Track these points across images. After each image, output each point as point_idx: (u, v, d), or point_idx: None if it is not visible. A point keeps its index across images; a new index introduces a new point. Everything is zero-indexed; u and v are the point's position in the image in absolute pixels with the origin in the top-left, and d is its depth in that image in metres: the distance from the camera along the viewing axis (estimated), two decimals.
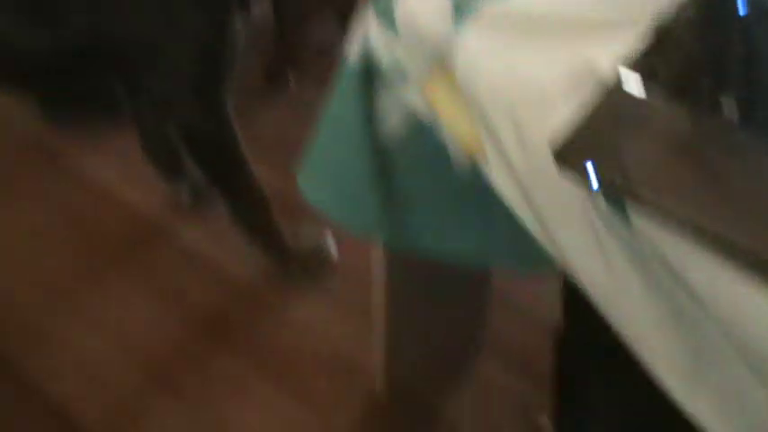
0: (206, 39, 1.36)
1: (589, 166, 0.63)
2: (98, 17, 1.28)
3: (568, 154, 0.65)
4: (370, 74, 0.88)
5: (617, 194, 0.63)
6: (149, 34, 1.31)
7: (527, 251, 0.79)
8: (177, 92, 1.42)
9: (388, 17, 0.84)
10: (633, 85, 0.71)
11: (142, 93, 1.44)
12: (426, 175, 0.90)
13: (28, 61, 1.35)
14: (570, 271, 0.76)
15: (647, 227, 0.64)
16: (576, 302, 0.77)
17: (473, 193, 0.84)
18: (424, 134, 0.85)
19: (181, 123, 1.46)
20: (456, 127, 0.81)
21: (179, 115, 1.45)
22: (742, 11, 0.81)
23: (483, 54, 0.76)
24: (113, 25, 1.30)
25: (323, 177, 0.97)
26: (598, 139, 0.66)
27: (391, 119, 0.89)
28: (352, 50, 0.89)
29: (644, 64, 0.73)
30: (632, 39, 0.78)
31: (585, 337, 1.13)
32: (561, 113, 0.69)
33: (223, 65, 1.41)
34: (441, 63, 0.79)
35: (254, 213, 1.65)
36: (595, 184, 0.63)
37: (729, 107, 0.69)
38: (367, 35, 0.87)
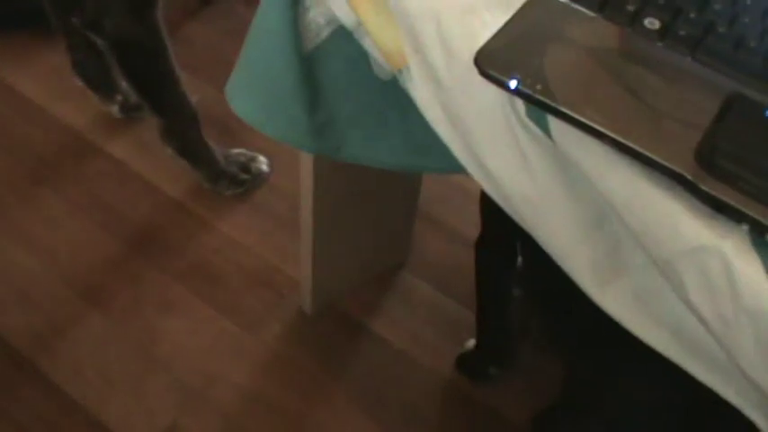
0: None
1: (511, 75, 0.64)
2: None
3: (492, 62, 0.65)
4: None
5: (537, 103, 0.64)
6: None
7: (451, 153, 0.80)
8: (107, 3, 1.40)
9: None
10: None
11: (71, 4, 1.41)
12: (350, 82, 0.91)
13: None
14: (490, 185, 0.77)
15: (565, 135, 0.65)
16: (495, 209, 0.79)
17: (396, 97, 0.84)
18: (348, 41, 0.86)
19: (111, 34, 1.44)
20: (381, 38, 0.81)
21: (109, 27, 1.43)
22: None
23: None
24: None
25: (250, 89, 0.97)
26: (522, 48, 0.67)
27: (316, 27, 0.88)
28: None
29: None
30: None
31: (503, 241, 1.17)
32: (486, 24, 0.70)
33: None
34: None
35: (184, 128, 1.64)
36: (514, 90, 0.64)
37: (650, 21, 0.70)
38: None
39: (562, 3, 0.71)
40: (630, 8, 0.71)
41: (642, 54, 0.69)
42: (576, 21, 0.70)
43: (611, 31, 0.70)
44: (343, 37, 0.86)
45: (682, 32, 0.69)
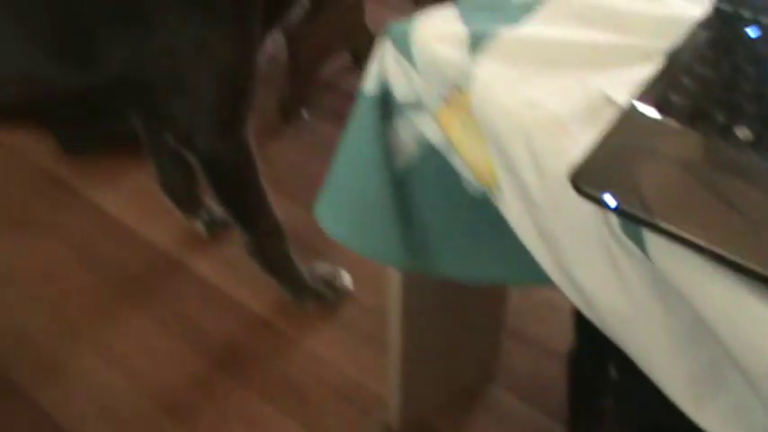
0: (232, 69, 1.39)
1: (606, 191, 0.64)
2: (129, 54, 1.30)
3: (585, 180, 0.65)
4: (386, 103, 0.90)
5: (634, 220, 0.64)
6: (177, 67, 1.33)
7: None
8: (201, 121, 1.44)
9: (404, 46, 0.85)
10: (648, 111, 0.72)
11: (164, 123, 1.46)
12: (442, 199, 0.92)
13: (57, 99, 1.37)
14: (583, 301, 0.76)
15: (662, 250, 0.64)
16: (587, 323, 0.78)
17: (488, 212, 0.85)
18: (438, 160, 0.87)
19: (203, 151, 1.48)
20: (470, 155, 0.82)
21: (202, 144, 1.47)
22: (753, 33, 0.82)
23: (499, 83, 0.78)
24: (143, 60, 1.32)
25: (341, 208, 0.98)
26: (614, 165, 0.67)
27: (407, 146, 0.90)
28: (369, 80, 0.90)
29: (658, 91, 0.74)
30: (646, 66, 0.79)
31: (597, 355, 1.14)
32: (578, 141, 0.70)
33: (246, 93, 1.44)
34: (457, 91, 0.80)
35: (271, 244, 1.66)
36: (613, 208, 0.64)
37: (742, 131, 0.70)
38: (383, 65, 0.88)
39: (651, 117, 0.71)
40: (721, 119, 0.71)
41: (736, 164, 0.68)
42: (668, 134, 0.70)
43: (703, 142, 0.70)
44: (434, 155, 0.87)
45: None
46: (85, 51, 1.31)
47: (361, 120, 0.91)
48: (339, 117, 1.00)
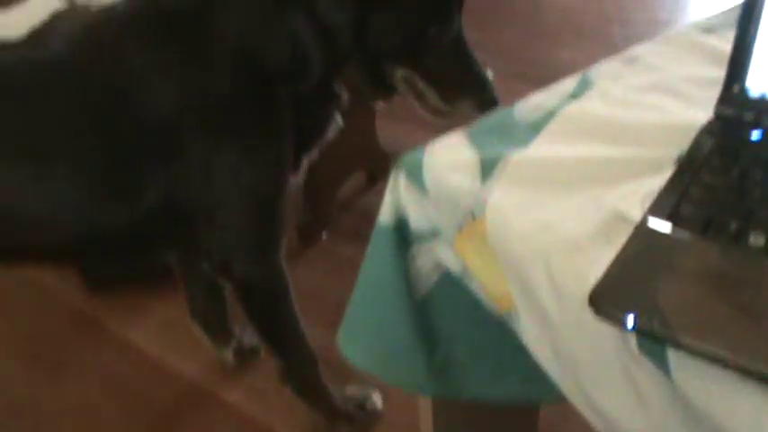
0: (265, 195, 1.41)
1: (626, 313, 0.65)
2: (167, 184, 1.32)
3: (604, 302, 0.66)
4: (402, 231, 0.91)
5: (655, 339, 0.64)
6: (212, 195, 1.35)
7: None
8: (236, 248, 1.45)
9: (416, 176, 0.88)
10: (661, 226, 0.73)
11: (200, 252, 1.47)
12: (463, 323, 0.92)
13: (100, 237, 1.38)
14: (603, 424, 0.76)
15: (686, 369, 0.65)
16: None
17: (510, 334, 0.85)
18: (457, 285, 0.88)
19: (238, 278, 1.49)
20: (487, 281, 0.83)
21: (237, 271, 1.48)
22: (756, 137, 0.84)
23: (512, 208, 0.79)
24: (180, 190, 1.34)
25: (363, 337, 0.99)
26: (632, 284, 0.68)
27: (425, 274, 0.91)
28: (384, 211, 0.92)
29: (669, 204, 0.75)
30: (656, 176, 0.81)
31: None
32: (595, 262, 0.71)
33: (279, 221, 1.46)
34: (470, 218, 0.82)
35: (305, 369, 1.66)
36: (633, 329, 0.65)
37: (755, 237, 0.71)
38: (397, 195, 0.90)
39: (664, 232, 0.73)
40: (733, 227, 0.72)
41: (753, 272, 0.69)
42: (682, 247, 0.71)
43: (718, 252, 0.71)
44: (452, 280, 0.88)
45: None
46: (128, 187, 1.33)
47: (379, 251, 0.92)
48: (358, 237, 1.01)
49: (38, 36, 1.39)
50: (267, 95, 1.34)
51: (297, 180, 1.50)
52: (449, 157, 0.88)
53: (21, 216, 1.32)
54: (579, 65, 2.44)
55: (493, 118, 0.95)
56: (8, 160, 1.27)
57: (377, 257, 0.93)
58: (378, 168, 2.27)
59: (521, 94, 2.36)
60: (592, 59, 2.47)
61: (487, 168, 0.84)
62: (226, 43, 1.29)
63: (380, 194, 0.94)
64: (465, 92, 1.33)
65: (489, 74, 2.31)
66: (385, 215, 0.91)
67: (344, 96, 1.42)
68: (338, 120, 1.47)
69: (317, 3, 1.26)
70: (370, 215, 0.96)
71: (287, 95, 1.35)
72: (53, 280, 2.16)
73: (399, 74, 1.35)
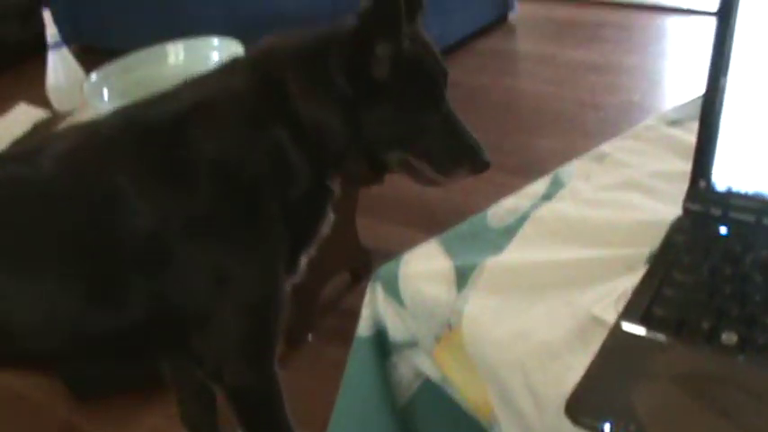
0: (257, 300, 1.40)
1: (603, 421, 0.65)
2: (157, 290, 1.33)
3: (581, 410, 0.67)
4: (381, 341, 0.92)
5: None
6: (202, 300, 1.35)
7: None
8: (228, 354, 1.44)
9: (392, 288, 0.89)
10: (635, 329, 0.74)
11: (192, 358, 1.46)
12: (447, 429, 0.92)
13: (87, 343, 1.38)
14: None
15: None
16: None
17: None
18: (438, 394, 0.88)
19: (230, 385, 1.48)
20: (466, 390, 0.83)
21: (230, 377, 1.47)
22: (723, 231, 0.86)
23: (488, 317, 0.80)
24: (170, 295, 1.34)
25: None
26: (608, 390, 0.68)
27: (407, 382, 0.91)
28: (362, 323, 0.93)
29: (641, 306, 0.76)
30: (629, 276, 0.82)
31: None
32: (571, 367, 0.72)
33: (273, 326, 1.45)
34: (448, 329, 0.83)
35: None
36: None
37: (728, 336, 0.72)
38: (375, 307, 0.91)
39: (638, 335, 0.73)
40: (705, 325, 0.73)
41: (726, 372, 0.70)
42: (656, 350, 0.72)
43: (691, 354, 0.72)
44: (434, 388, 0.89)
45: (761, 341, 0.71)
46: (114, 298, 1.33)
47: (359, 362, 0.93)
48: (343, 338, 1.02)
49: (25, 153, 1.42)
50: (253, 202, 1.35)
51: (295, 280, 1.50)
52: (424, 267, 0.89)
53: (6, 323, 1.32)
54: (556, 152, 2.49)
55: (466, 225, 0.96)
56: None
57: (358, 368, 0.93)
58: (360, 267, 2.28)
59: (500, 185, 2.39)
60: (568, 146, 2.52)
61: (462, 277, 0.86)
62: (205, 156, 1.31)
63: (365, 293, 0.94)
64: (459, 161, 1.35)
65: None
66: (363, 327, 0.92)
67: (338, 189, 1.43)
68: (330, 214, 1.47)
69: (300, 112, 1.27)
70: (356, 315, 0.97)
71: (274, 200, 1.36)
72: (40, 392, 2.14)
73: (394, 157, 1.36)
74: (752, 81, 0.86)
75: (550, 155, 2.46)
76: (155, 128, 1.33)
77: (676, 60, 3.35)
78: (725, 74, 0.87)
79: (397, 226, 2.26)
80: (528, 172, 2.49)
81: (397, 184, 1.94)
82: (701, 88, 0.89)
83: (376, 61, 1.23)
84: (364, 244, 2.29)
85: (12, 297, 1.31)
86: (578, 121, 2.74)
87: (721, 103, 0.88)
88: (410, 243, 1.00)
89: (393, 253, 1.35)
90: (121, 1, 3.62)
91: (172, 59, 2.15)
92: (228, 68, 1.39)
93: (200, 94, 1.35)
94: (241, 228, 1.35)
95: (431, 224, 2.21)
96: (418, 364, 0.89)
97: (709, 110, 0.89)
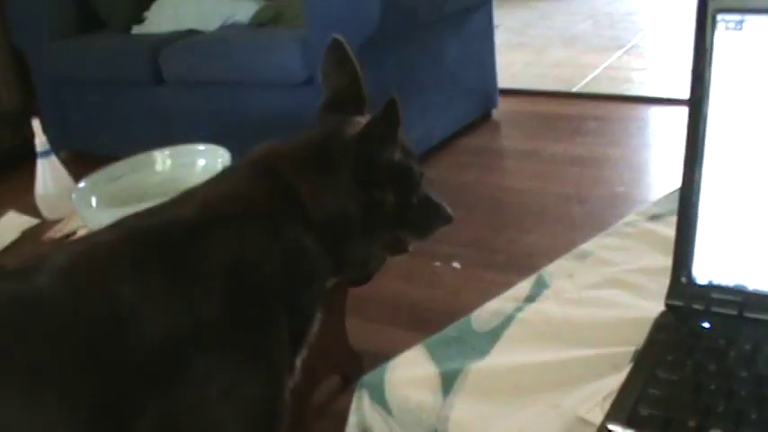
0: (262, 410, 1.37)
1: None
2: (163, 410, 1.29)
3: None
4: None
5: None
6: (209, 415, 1.33)
7: None
8: None
9: (378, 395, 0.88)
10: (620, 429, 0.74)
11: None
12: None
13: None
14: None
15: None
16: None
17: None
18: None
19: None
20: None
21: None
22: (707, 325, 0.86)
23: (475, 422, 0.80)
24: (177, 415, 1.31)
25: None
26: None
27: None
28: (350, 428, 0.92)
29: (627, 407, 0.76)
30: (615, 375, 0.82)
31: None
32: None
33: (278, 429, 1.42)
34: None
35: None
36: None
37: None
38: (361, 414, 0.90)
39: None
40: (692, 424, 0.73)
41: None
42: None
43: None
44: None
45: None
46: (119, 415, 1.30)
47: None
48: None
49: (20, 270, 1.40)
50: (267, 309, 1.34)
51: (291, 384, 1.48)
52: (409, 373, 0.89)
53: None
54: (543, 247, 2.50)
55: (451, 329, 0.97)
56: None
57: None
58: (351, 369, 2.26)
59: (489, 282, 2.40)
60: (555, 241, 2.53)
61: (448, 383, 0.86)
62: (218, 263, 1.30)
63: None
64: (434, 225, 1.40)
65: (456, 265, 2.36)
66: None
67: (329, 289, 1.44)
68: (319, 313, 1.47)
69: (313, 213, 1.29)
70: (346, 419, 0.96)
71: (283, 307, 1.35)
72: None
73: (389, 238, 1.39)
74: (727, 173, 0.87)
75: (537, 250, 2.47)
76: (159, 236, 1.32)
77: (659, 151, 3.39)
78: (699, 168, 0.88)
79: (385, 326, 2.26)
80: (515, 268, 2.51)
81: (384, 284, 1.95)
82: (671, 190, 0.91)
83: (377, 166, 1.30)
84: (353, 345, 2.28)
85: (10, 415, 1.27)
86: (564, 216, 2.76)
87: (698, 198, 0.90)
88: (398, 343, 1.00)
89: (382, 354, 1.35)
90: (109, 108, 3.67)
91: (159, 166, 2.18)
92: (229, 175, 1.40)
93: (205, 201, 1.35)
94: (254, 339, 1.34)
95: (419, 324, 2.21)
96: None
97: (685, 205, 0.90)
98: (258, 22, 3.52)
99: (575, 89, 4.10)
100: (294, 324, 1.40)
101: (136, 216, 1.39)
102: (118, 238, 1.34)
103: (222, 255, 1.30)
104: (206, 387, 1.31)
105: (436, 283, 2.38)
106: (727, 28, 0.85)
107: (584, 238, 1.16)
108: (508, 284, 1.06)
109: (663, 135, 3.57)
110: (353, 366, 2.24)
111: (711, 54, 0.86)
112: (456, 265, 2.44)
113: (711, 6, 0.86)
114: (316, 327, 1.48)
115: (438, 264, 2.41)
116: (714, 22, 0.86)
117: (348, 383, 2.26)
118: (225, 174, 1.42)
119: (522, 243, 2.58)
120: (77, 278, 1.30)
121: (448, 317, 1.04)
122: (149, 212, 1.38)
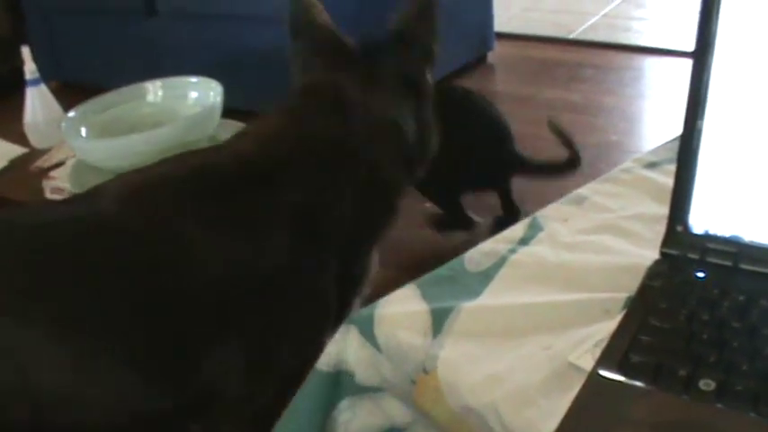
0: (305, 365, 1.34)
1: None
2: (217, 368, 1.23)
3: None
4: (338, 380, 0.89)
5: None
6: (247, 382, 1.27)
7: None
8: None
9: (368, 332, 0.88)
10: (611, 375, 0.74)
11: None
12: None
13: (141, 421, 1.24)
14: None
15: None
16: None
17: None
18: None
19: None
20: (450, 428, 0.82)
21: None
22: (701, 275, 0.85)
23: (464, 361, 0.80)
24: (228, 373, 1.25)
25: None
26: None
27: (354, 427, 0.89)
28: (325, 355, 0.90)
29: (618, 353, 0.76)
30: (606, 321, 0.82)
31: None
32: (547, 414, 0.71)
33: None
34: (423, 372, 0.82)
35: None
36: None
37: (705, 383, 0.71)
38: (344, 348, 0.89)
39: (615, 380, 0.73)
40: (683, 372, 0.72)
41: (705, 420, 0.69)
42: (634, 397, 0.72)
43: (669, 401, 0.71)
44: None
45: (738, 388, 0.70)
46: (178, 368, 1.22)
47: (309, 389, 0.89)
48: None
49: (79, 196, 1.34)
50: (321, 263, 1.30)
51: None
52: (400, 310, 0.88)
53: (52, 394, 1.16)
54: (534, 192, 2.49)
55: (443, 269, 0.96)
56: (46, 328, 1.15)
57: (305, 397, 0.90)
58: None
59: (477, 224, 2.37)
60: (546, 185, 2.52)
61: (438, 322, 0.85)
62: (287, 201, 1.25)
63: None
64: None
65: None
66: (323, 362, 0.89)
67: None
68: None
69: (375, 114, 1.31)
70: None
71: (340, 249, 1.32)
72: None
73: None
74: (729, 123, 0.86)
75: (528, 196, 2.46)
76: (232, 174, 1.26)
77: (654, 101, 3.37)
78: (701, 116, 0.87)
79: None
80: (501, 212, 2.50)
81: None
82: (678, 129, 0.89)
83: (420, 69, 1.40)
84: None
85: (61, 359, 1.14)
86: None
87: (698, 146, 0.88)
88: (386, 283, 0.99)
89: (371, 293, 1.33)
90: (100, 39, 3.62)
91: (150, 98, 2.16)
92: (293, 108, 1.39)
93: (272, 138, 1.31)
94: (314, 279, 1.30)
95: (408, 264, 2.20)
96: (386, 410, 0.88)
97: (685, 153, 0.89)
98: None
99: (572, 35, 4.06)
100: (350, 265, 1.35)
101: (193, 153, 1.34)
102: (182, 174, 1.27)
103: (292, 196, 1.25)
104: (264, 334, 1.24)
105: (425, 224, 2.38)
106: None
107: (576, 185, 1.15)
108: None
109: (659, 86, 3.55)
110: None
111: (719, 2, 0.84)
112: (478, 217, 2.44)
113: None
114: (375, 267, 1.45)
115: (428, 205, 2.40)
116: None
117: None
118: (287, 107, 1.39)
119: (513, 188, 2.57)
120: (141, 206, 1.22)
121: (437, 256, 1.03)
122: (206, 151, 1.33)
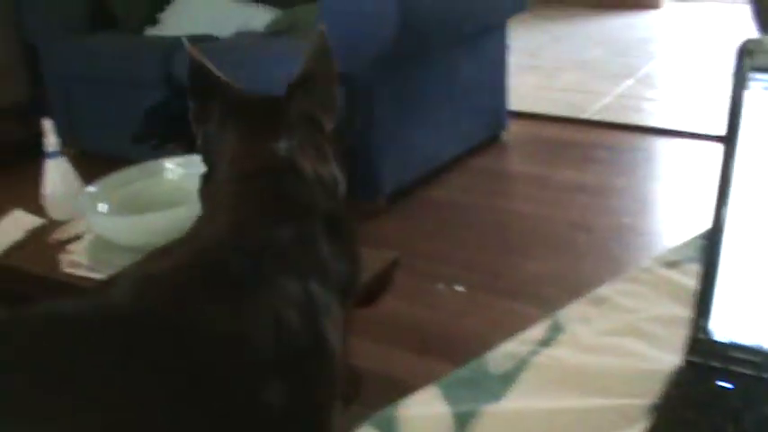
0: None
1: None
2: None
3: None
4: None
5: None
6: None
7: None
8: None
9: None
10: None
11: None
12: None
13: None
14: None
15: None
16: None
17: None
18: None
19: None
20: None
21: None
22: (726, 385, 0.85)
23: None
24: None
25: None
26: None
27: None
28: None
29: None
30: (629, 429, 0.82)
31: None
32: None
33: None
34: None
35: None
36: None
37: None
38: None
39: None
40: None
41: None
42: None
43: None
44: None
45: None
46: None
47: None
48: None
49: (90, 289, 1.33)
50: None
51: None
52: (421, 414, 0.88)
53: None
54: (547, 275, 2.50)
55: (465, 370, 0.96)
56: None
57: None
58: (351, 389, 2.25)
59: (489, 307, 2.39)
60: (559, 269, 2.53)
61: (461, 425, 0.85)
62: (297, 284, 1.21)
63: (355, 415, 0.93)
64: None
65: (459, 288, 2.34)
66: None
67: None
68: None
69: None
70: None
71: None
72: None
73: None
74: (748, 233, 0.87)
75: (542, 277, 2.47)
76: (237, 267, 1.20)
77: (665, 182, 3.39)
78: (724, 223, 0.88)
79: (386, 347, 2.25)
80: (519, 295, 2.51)
81: (385, 304, 1.95)
82: (690, 211, 0.90)
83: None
84: (353, 364, 2.27)
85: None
86: (569, 244, 2.75)
87: (719, 254, 0.89)
88: (400, 365, 0.98)
89: (383, 375, 1.32)
90: (119, 109, 3.66)
91: (169, 175, 2.17)
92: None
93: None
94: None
95: (421, 346, 2.20)
96: None
97: (712, 259, 0.90)
98: (273, 31, 3.52)
99: (585, 115, 4.10)
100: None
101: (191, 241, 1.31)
102: (194, 263, 1.21)
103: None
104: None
105: (438, 306, 2.37)
106: (764, 88, 0.85)
107: (589, 267, 1.15)
108: (512, 311, 1.06)
109: (670, 167, 3.57)
110: (354, 386, 2.24)
111: (741, 113, 0.86)
112: (460, 288, 2.44)
113: (748, 65, 0.85)
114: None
115: (441, 286, 2.41)
116: (748, 80, 0.85)
117: (348, 403, 2.25)
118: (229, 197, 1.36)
119: (526, 269, 2.58)
120: (158, 300, 1.14)
121: (450, 340, 1.03)
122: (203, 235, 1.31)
